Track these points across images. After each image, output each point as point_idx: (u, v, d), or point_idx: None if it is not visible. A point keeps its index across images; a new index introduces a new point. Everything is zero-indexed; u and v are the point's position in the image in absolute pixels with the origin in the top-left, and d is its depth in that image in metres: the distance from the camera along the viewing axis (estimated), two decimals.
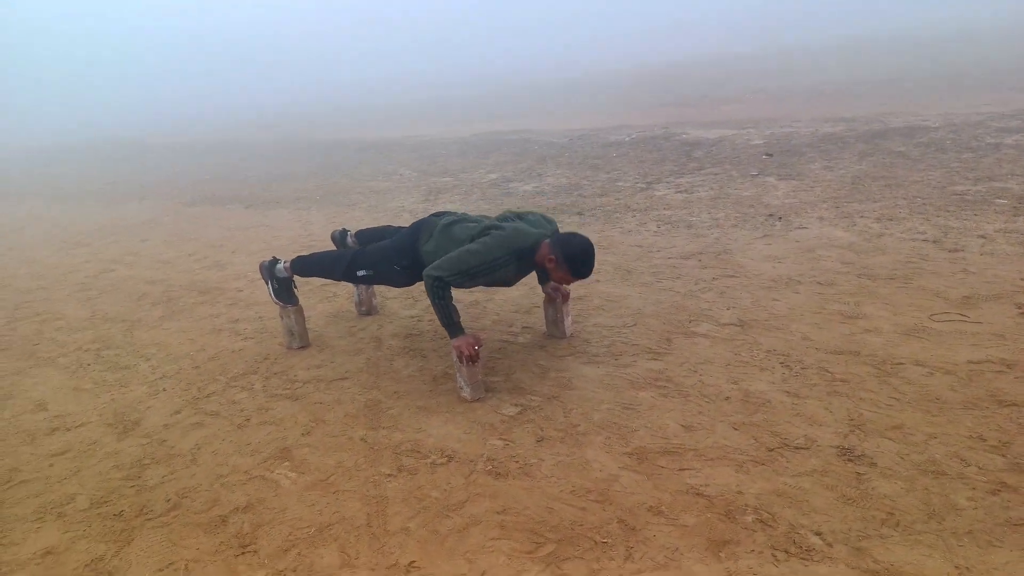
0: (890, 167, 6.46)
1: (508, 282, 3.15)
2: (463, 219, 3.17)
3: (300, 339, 3.72)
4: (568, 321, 3.48)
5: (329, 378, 3.31)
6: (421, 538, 2.10)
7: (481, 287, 3.20)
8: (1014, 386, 2.58)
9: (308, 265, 3.55)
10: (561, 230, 3.17)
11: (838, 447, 2.34)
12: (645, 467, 2.35)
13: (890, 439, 2.35)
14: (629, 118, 12.98)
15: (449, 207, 7.19)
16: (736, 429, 2.51)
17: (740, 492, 2.16)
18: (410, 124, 18.14)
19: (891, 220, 4.80)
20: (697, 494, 2.18)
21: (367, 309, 4.13)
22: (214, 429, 2.93)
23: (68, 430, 3.07)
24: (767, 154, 7.78)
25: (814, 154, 7.47)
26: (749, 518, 2.05)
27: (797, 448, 2.36)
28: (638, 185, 7.16)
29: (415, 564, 1.99)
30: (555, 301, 3.42)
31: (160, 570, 2.08)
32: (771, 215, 5.29)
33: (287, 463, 2.60)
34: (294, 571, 2.02)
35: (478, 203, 7.22)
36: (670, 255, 4.62)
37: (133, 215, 9.17)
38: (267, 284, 3.65)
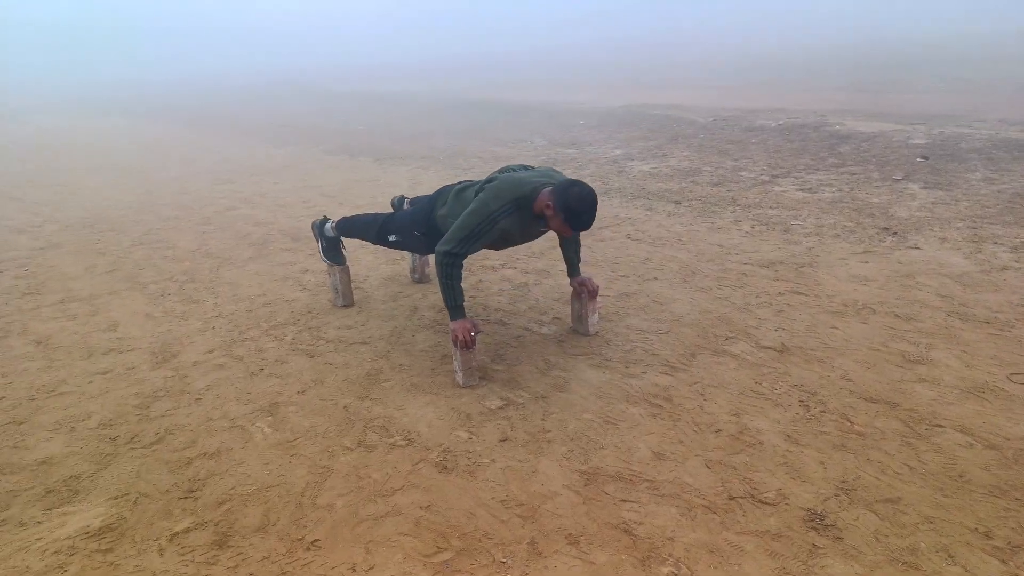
0: None
1: (514, 239, 2.99)
2: (475, 183, 3.08)
3: (344, 298, 3.86)
4: (594, 319, 3.31)
5: (351, 340, 3.42)
6: (339, 518, 2.13)
7: (496, 250, 3.01)
8: None
9: (350, 226, 3.65)
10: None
11: (808, 510, 2.05)
12: (589, 490, 2.20)
13: (875, 513, 2.02)
14: (791, 100, 11.98)
15: None
16: (708, 467, 2.29)
17: (671, 539, 1.97)
18: (568, 88, 17.95)
19: None
20: (625, 531, 2.02)
21: (419, 276, 4.19)
22: (230, 373, 3.14)
23: (120, 352, 3.42)
24: (923, 157, 6.86)
25: (978, 162, 6.47)
26: (665, 570, 1.86)
27: (762, 502, 2.10)
28: (761, 177, 6.61)
29: (317, 543, 2.03)
30: (580, 296, 3.27)
31: (114, 498, 2.28)
32: (886, 228, 4.68)
33: (270, 418, 2.73)
34: (216, 524, 2.13)
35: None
36: (747, 260, 4.24)
37: (282, 157, 9.91)
38: (317, 242, 3.81)
